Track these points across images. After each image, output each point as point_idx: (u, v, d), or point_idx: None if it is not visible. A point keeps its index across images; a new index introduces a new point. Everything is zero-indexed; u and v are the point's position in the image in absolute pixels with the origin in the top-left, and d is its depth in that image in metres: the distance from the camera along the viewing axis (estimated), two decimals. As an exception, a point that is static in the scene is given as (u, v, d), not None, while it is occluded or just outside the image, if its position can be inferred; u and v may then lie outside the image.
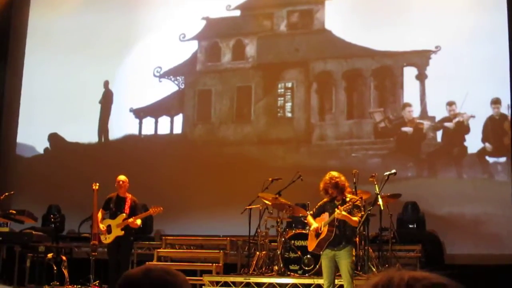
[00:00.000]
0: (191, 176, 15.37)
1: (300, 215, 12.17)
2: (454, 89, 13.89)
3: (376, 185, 10.32)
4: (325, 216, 9.53)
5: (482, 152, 13.67)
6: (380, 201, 10.01)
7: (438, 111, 14.08)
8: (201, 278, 12.27)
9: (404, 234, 12.69)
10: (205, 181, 15.16)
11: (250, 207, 12.42)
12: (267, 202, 12.18)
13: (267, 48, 15.78)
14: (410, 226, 13.59)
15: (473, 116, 13.76)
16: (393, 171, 10.47)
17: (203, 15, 16.25)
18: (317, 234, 9.58)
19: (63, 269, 13.17)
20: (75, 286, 13.10)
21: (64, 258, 13.34)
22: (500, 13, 13.84)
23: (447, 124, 13.98)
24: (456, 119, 13.87)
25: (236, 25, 16.12)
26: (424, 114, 14.21)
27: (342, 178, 9.53)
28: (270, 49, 15.76)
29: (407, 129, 14.22)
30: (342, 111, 14.95)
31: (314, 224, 9.65)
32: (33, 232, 13.77)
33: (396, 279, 1.76)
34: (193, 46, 16.30)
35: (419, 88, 14.35)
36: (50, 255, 13.22)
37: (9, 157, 17.33)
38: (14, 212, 13.68)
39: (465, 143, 13.84)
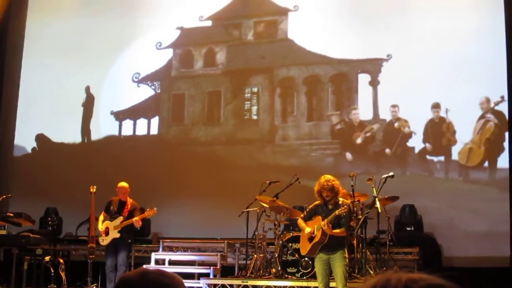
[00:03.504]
0: (165, 174, 16.15)
1: (298, 217, 11.10)
2: (401, 94, 14.83)
3: (374, 188, 10.38)
4: (318, 220, 9.57)
5: (423, 152, 14.68)
6: (378, 204, 10.16)
7: (387, 114, 15.06)
8: (199, 281, 12.26)
9: (402, 237, 12.80)
10: (178, 178, 15.98)
11: (247, 209, 12.46)
12: (264, 204, 12.25)
13: (236, 55, 16.63)
14: (408, 228, 13.77)
15: (406, 120, 14.82)
16: (391, 173, 10.59)
17: (177, 25, 17.08)
18: (311, 237, 9.63)
19: (60, 272, 13.09)
20: None
21: (61, 260, 13.21)
22: (447, 19, 14.79)
23: (392, 125, 14.98)
24: (398, 123, 14.89)
25: (207, 34, 16.96)
26: (376, 117, 15.13)
27: (337, 182, 9.60)
28: (239, 56, 16.61)
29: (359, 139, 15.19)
30: (302, 113, 15.81)
31: (306, 228, 9.70)
32: (31, 234, 13.50)
33: (394, 280, 1.76)
34: (169, 53, 17.14)
35: (372, 93, 15.27)
36: (47, 258, 13.11)
37: (6, 159, 17.82)
38: (12, 214, 13.59)
39: (408, 144, 14.81)
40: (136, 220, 12.20)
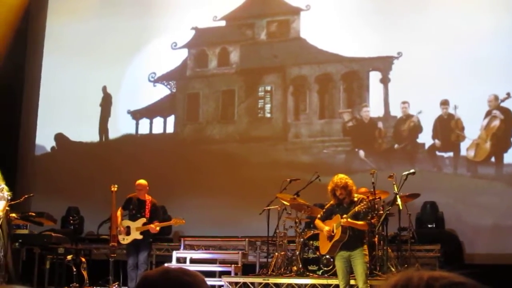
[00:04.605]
0: (182, 172, 16.38)
1: (318, 215, 11.04)
2: (412, 91, 15.04)
3: (395, 185, 10.46)
4: (336, 218, 9.56)
5: (432, 148, 14.91)
6: (399, 201, 10.21)
7: (398, 111, 15.27)
8: (220, 279, 12.22)
9: (423, 234, 12.78)
10: (195, 176, 16.20)
11: (268, 207, 12.40)
12: (285, 202, 12.21)
13: (249, 55, 16.89)
14: (429, 225, 13.77)
15: (419, 113, 14.99)
16: (412, 170, 10.66)
17: (192, 26, 17.37)
18: (330, 236, 9.60)
19: (82, 271, 13.14)
20: (94, 287, 13.18)
21: (83, 259, 13.30)
22: (457, 17, 14.93)
23: (402, 122, 15.19)
24: (410, 119, 15.12)
25: (221, 34, 17.24)
26: (387, 114, 15.35)
27: (350, 180, 9.61)
28: (252, 56, 16.87)
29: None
30: (315, 111, 16.05)
31: (325, 227, 9.68)
32: (53, 234, 13.67)
33: (415, 278, 1.75)
34: (184, 53, 17.43)
35: (382, 90, 15.49)
36: (69, 257, 13.17)
37: (27, 158, 18.09)
38: (34, 214, 13.64)
39: (418, 140, 15.03)
40: (153, 227, 12.31)
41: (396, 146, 15.25)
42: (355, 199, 9.57)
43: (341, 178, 9.58)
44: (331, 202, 9.75)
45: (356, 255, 9.46)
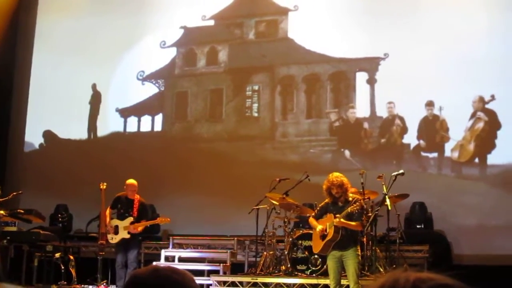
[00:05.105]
0: (171, 170, 16.45)
1: (308, 215, 11.40)
2: (398, 92, 15.15)
3: (384, 185, 10.44)
4: (330, 217, 9.49)
5: (417, 148, 15.04)
6: (388, 201, 10.21)
7: (384, 111, 15.41)
8: (209, 278, 12.25)
9: (412, 234, 12.79)
10: (183, 174, 16.29)
11: (257, 207, 12.42)
12: (274, 202, 12.19)
13: (237, 54, 16.99)
14: (418, 226, 13.76)
15: (401, 117, 15.19)
16: (401, 171, 10.68)
17: (181, 25, 17.47)
18: (323, 235, 9.53)
19: (70, 269, 13.18)
20: (82, 285, 13.13)
21: (71, 257, 13.35)
22: (443, 18, 15.03)
23: (388, 123, 15.33)
24: (396, 120, 15.28)
25: (210, 33, 17.33)
26: (373, 114, 15.48)
27: (345, 178, 9.54)
28: (240, 55, 16.97)
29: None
30: (302, 111, 16.17)
31: (318, 226, 9.60)
32: (41, 231, 13.66)
33: (402, 280, 1.74)
34: (172, 52, 17.53)
35: (369, 91, 15.60)
36: (57, 255, 13.20)
37: (16, 155, 18.11)
38: (22, 211, 13.42)
39: (403, 140, 15.16)
40: (133, 228, 12.40)
41: (382, 140, 15.34)
42: (350, 198, 9.53)
43: (337, 176, 9.54)
44: (326, 200, 9.69)
45: (348, 255, 9.44)
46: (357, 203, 9.28)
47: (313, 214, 10.03)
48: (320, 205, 9.88)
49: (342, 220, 9.27)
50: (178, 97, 17.45)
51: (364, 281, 9.92)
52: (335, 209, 9.51)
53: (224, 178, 16.03)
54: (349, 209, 9.27)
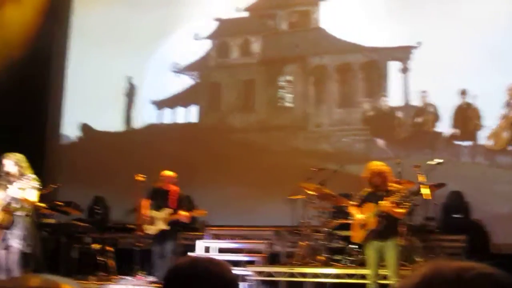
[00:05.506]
0: (205, 161, 16.49)
1: (344, 205, 11.53)
2: (431, 80, 15.03)
3: (420, 175, 10.42)
4: (369, 207, 9.43)
5: (450, 137, 14.95)
6: (426, 191, 10.22)
7: (416, 100, 15.36)
8: (246, 268, 12.13)
9: (449, 224, 12.86)
10: (217, 164, 16.35)
11: (293, 197, 12.48)
12: (310, 192, 12.14)
13: (270, 45, 17.07)
14: (455, 215, 13.62)
15: (434, 105, 15.13)
16: (440, 160, 10.78)
17: (215, 16, 17.60)
18: (363, 225, 9.47)
19: (108, 260, 13.39)
20: (120, 276, 13.04)
21: (109, 248, 13.49)
22: (478, 5, 14.95)
23: (421, 111, 15.29)
24: (428, 109, 15.27)
25: (243, 25, 17.45)
26: (406, 103, 15.43)
27: (387, 167, 9.51)
28: (273, 46, 17.04)
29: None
30: (334, 100, 16.19)
31: (358, 215, 9.56)
32: (79, 223, 13.98)
33: (445, 269, 1.72)
34: (207, 44, 17.66)
35: (402, 80, 15.57)
36: (96, 246, 13.45)
37: (53, 148, 18.31)
38: (61, 203, 13.79)
39: (436, 129, 15.10)
40: (184, 216, 12.34)
41: (415, 129, 15.31)
42: (391, 188, 9.46)
43: (377, 165, 9.53)
44: (366, 189, 9.62)
45: (388, 245, 9.34)
46: (399, 192, 9.24)
47: (353, 202, 9.90)
48: (360, 194, 9.77)
49: (387, 205, 9.19)
50: (211, 89, 17.58)
51: (401, 271, 9.75)
52: (375, 198, 9.42)
53: (257, 168, 16.08)
54: (392, 198, 9.23)
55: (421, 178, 10.41)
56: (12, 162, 10.52)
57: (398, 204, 9.27)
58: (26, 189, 10.38)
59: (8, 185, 10.42)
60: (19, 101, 16.45)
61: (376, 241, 9.42)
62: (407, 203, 9.57)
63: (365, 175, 9.52)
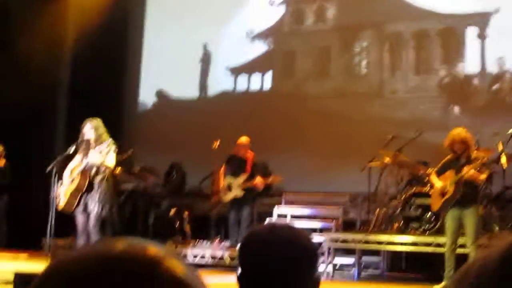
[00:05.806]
0: (280, 128, 16.50)
1: (421, 172, 11.58)
2: (508, 47, 14.72)
3: (500, 143, 10.37)
4: (450, 175, 9.36)
5: None
6: (504, 159, 10.11)
7: (494, 67, 15.15)
8: (321, 234, 12.17)
9: None
10: (293, 132, 16.39)
11: (369, 164, 12.40)
12: (387, 159, 12.08)
13: (345, 11, 16.87)
14: None
15: (511, 72, 14.83)
16: None
17: (290, -18, 17.48)
18: (443, 193, 9.43)
19: (185, 225, 13.57)
20: (196, 241, 13.26)
21: (186, 214, 13.66)
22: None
23: (499, 78, 15.10)
24: (506, 76, 15.05)
25: (318, -10, 17.31)
26: (483, 70, 15.24)
27: (469, 134, 9.39)
28: (348, 12, 16.84)
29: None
30: (410, 67, 16.07)
31: (438, 182, 9.50)
32: (156, 189, 14.29)
33: None
34: (281, 10, 17.60)
35: (479, 46, 15.37)
36: (172, 211, 13.60)
37: (130, 115, 18.60)
38: (138, 169, 14.08)
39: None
40: (259, 183, 12.41)
41: (492, 97, 15.11)
42: (473, 155, 9.37)
43: (459, 132, 9.42)
44: (448, 157, 9.52)
45: (468, 213, 9.25)
46: (480, 160, 9.18)
47: (434, 170, 9.81)
48: (441, 162, 9.68)
49: (470, 172, 9.11)
50: (286, 55, 17.56)
51: (480, 240, 9.66)
52: (457, 165, 9.35)
53: (333, 135, 16.06)
54: (472, 165, 9.16)
55: (500, 146, 10.34)
56: (90, 127, 10.69)
57: (480, 171, 9.20)
58: (105, 153, 10.57)
59: (88, 151, 10.61)
60: (97, 68, 16.66)
61: (455, 209, 9.36)
62: (488, 171, 9.54)
63: (447, 142, 9.44)
